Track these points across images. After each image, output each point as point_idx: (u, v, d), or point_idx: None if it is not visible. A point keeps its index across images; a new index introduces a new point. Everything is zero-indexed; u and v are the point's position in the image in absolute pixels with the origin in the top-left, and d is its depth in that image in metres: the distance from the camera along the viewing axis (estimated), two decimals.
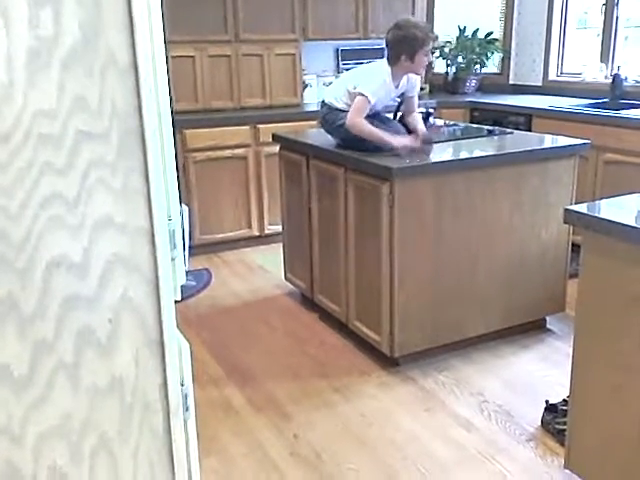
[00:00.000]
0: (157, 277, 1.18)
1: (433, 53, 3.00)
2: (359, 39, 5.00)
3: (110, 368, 1.19)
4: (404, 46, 2.88)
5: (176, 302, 1.25)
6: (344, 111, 3.01)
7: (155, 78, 1.11)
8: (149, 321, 1.20)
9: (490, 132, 3.44)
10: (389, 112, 3.22)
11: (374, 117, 2.98)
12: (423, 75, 3.00)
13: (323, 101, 3.15)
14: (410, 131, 3.13)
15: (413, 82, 3.11)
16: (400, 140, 2.90)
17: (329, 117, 3.10)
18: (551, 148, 3.07)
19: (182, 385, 1.27)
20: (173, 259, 1.21)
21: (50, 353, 1.13)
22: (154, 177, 1.14)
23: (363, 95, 2.88)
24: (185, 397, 1.27)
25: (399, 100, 3.22)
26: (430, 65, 3.85)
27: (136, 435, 1.24)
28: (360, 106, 2.89)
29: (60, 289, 1.11)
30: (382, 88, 2.94)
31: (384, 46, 3.03)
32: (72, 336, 1.14)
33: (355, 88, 2.93)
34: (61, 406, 1.16)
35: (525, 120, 4.35)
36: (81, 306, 1.14)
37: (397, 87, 3.02)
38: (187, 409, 1.28)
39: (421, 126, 3.15)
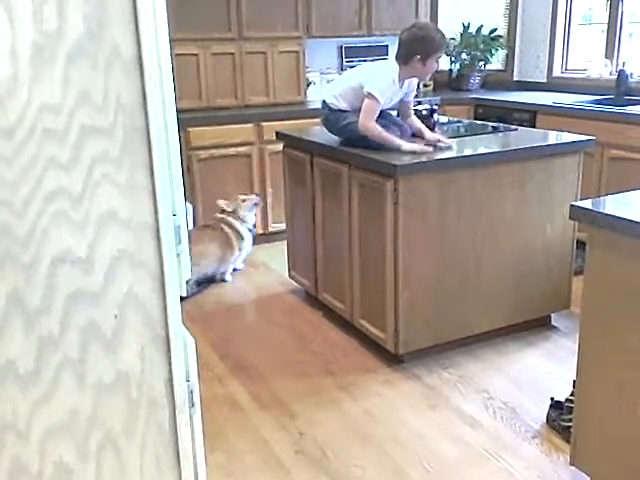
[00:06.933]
0: (162, 272, 1.18)
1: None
2: (363, 36, 5.00)
3: (116, 364, 1.19)
4: (421, 46, 2.84)
5: (181, 299, 1.25)
6: (346, 111, 3.00)
7: (160, 73, 1.10)
8: (155, 317, 1.20)
9: (494, 129, 3.43)
10: (391, 110, 3.21)
11: (379, 115, 2.96)
12: (427, 80, 2.97)
13: (324, 101, 3.13)
14: (414, 133, 3.13)
15: (413, 85, 3.10)
16: (411, 145, 2.87)
17: (331, 118, 3.09)
18: (556, 145, 3.06)
19: (188, 381, 1.26)
20: (178, 254, 1.21)
21: (56, 349, 1.13)
22: (159, 172, 1.14)
23: (373, 97, 2.85)
24: (191, 393, 1.27)
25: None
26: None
27: (142, 431, 1.24)
28: (371, 109, 2.87)
29: (65, 284, 1.11)
30: (390, 88, 2.91)
31: (397, 44, 2.95)
32: (78, 332, 1.14)
33: (363, 87, 2.89)
34: (67, 402, 1.16)
35: (529, 117, 4.34)
36: (86, 302, 1.13)
37: (401, 87, 3.00)
38: (193, 405, 1.28)
39: (424, 127, 3.12)
